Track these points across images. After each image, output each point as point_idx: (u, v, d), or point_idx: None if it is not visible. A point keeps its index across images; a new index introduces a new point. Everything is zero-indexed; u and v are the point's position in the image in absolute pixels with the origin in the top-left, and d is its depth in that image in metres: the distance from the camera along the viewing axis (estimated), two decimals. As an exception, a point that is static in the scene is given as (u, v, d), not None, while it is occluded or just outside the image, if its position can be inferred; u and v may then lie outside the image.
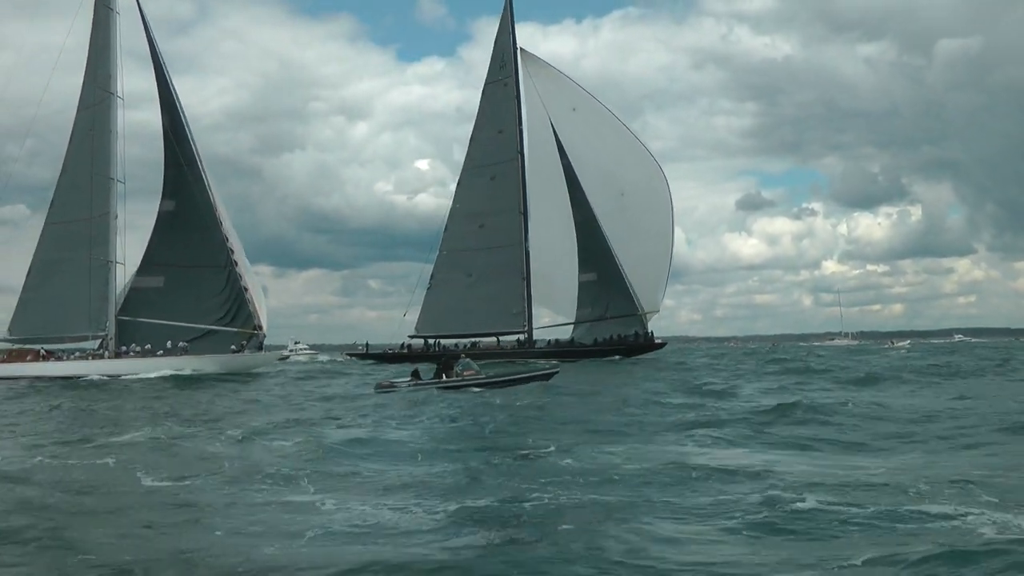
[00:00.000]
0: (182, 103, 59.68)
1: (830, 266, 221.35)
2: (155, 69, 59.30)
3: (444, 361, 33.23)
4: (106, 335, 59.96)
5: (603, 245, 70.53)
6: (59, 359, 59.25)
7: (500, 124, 74.38)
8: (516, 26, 75.48)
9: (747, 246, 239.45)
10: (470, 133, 76.35)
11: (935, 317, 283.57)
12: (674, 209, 72.57)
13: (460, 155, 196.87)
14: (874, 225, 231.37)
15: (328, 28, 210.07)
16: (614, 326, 70.80)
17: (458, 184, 75.88)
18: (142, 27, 60.66)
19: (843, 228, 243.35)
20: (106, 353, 58.81)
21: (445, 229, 75.60)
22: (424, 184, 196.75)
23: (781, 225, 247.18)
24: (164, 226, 58.22)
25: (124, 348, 58.73)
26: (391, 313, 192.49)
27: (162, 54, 60.01)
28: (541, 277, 72.63)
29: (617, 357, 67.23)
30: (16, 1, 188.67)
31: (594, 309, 71.40)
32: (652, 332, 71.77)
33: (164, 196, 58.46)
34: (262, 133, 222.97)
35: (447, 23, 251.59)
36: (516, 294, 72.56)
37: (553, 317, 74.63)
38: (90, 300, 59.73)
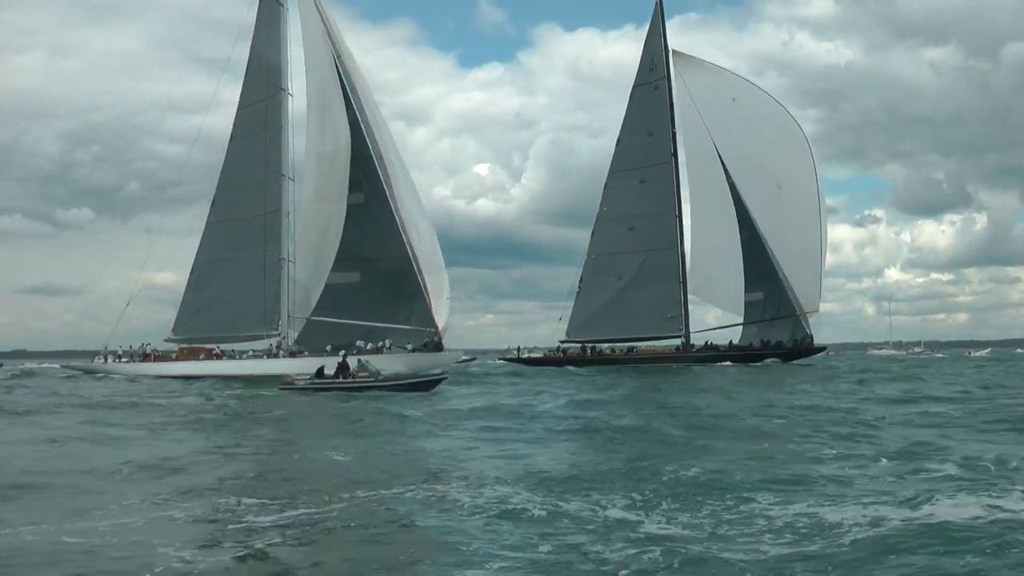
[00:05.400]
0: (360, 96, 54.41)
1: (893, 274, 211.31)
2: (336, 63, 54.03)
3: (343, 362, 32.14)
4: (279, 334, 54.76)
5: (769, 265, 64.60)
6: (231, 358, 54.13)
7: (650, 127, 68.78)
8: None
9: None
10: (616, 136, 70.91)
11: (1002, 327, 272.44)
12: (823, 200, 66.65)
13: (519, 160, 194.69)
14: (938, 233, 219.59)
15: (388, 33, 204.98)
16: (775, 329, 64.86)
17: (605, 188, 70.02)
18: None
19: (906, 236, 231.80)
20: (281, 353, 53.50)
21: (592, 233, 69.96)
22: (483, 189, 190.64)
23: (843, 232, 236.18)
24: (354, 220, 52.78)
25: (299, 348, 53.45)
26: (451, 318, 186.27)
27: (341, 48, 54.81)
28: (702, 277, 66.72)
29: (771, 360, 61.70)
30: (85, 7, 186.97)
31: (758, 313, 65.46)
32: (811, 334, 65.67)
33: (351, 189, 53.06)
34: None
35: (507, 29, 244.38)
36: (671, 298, 66.70)
37: (715, 318, 69.00)
38: (264, 299, 54.54)
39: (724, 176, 65.46)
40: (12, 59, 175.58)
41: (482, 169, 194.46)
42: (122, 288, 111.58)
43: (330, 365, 32.65)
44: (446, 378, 33.71)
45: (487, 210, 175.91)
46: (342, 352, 47.46)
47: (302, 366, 49.33)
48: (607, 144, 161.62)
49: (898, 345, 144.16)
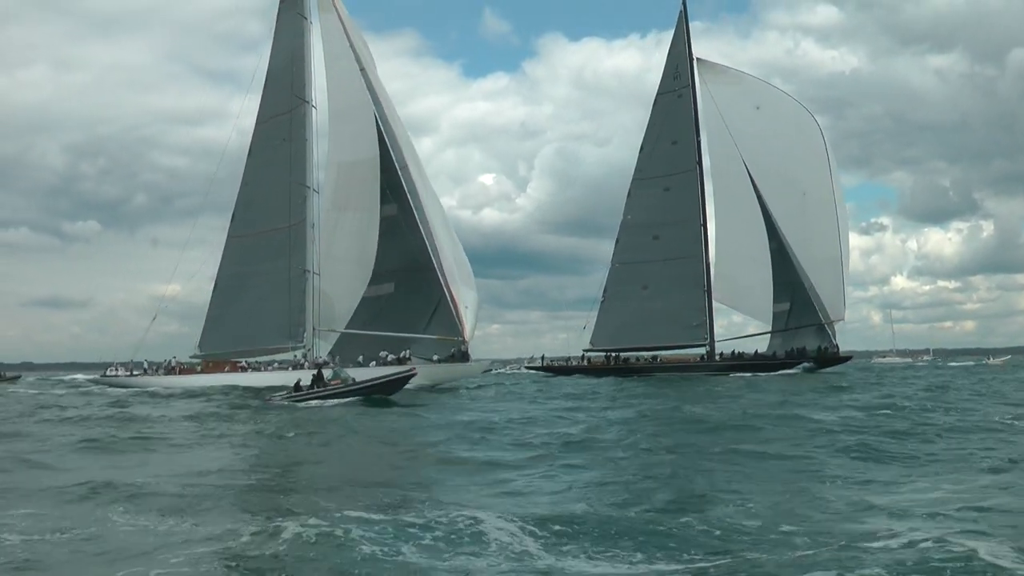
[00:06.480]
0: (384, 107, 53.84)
1: (900, 282, 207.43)
2: (362, 75, 53.43)
3: (317, 373, 33.19)
4: (304, 346, 54.18)
5: (795, 275, 63.78)
6: (256, 370, 53.56)
7: (674, 135, 67.79)
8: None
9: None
10: (639, 144, 70.04)
11: (1009, 335, 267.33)
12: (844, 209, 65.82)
13: (525, 170, 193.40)
14: (945, 240, 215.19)
15: (392, 44, 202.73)
16: (800, 338, 63.85)
17: (628, 196, 69.19)
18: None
19: (913, 244, 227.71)
20: (306, 365, 52.87)
21: (617, 242, 69.11)
22: (489, 199, 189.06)
23: (850, 240, 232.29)
24: (387, 231, 52.23)
25: (323, 359, 52.84)
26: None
27: (366, 59, 54.22)
28: (727, 285, 65.73)
29: (803, 367, 60.98)
30: (89, 21, 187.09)
31: (784, 322, 64.62)
32: (837, 344, 64.55)
33: (384, 201, 52.50)
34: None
35: (511, 39, 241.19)
36: (695, 306, 65.69)
37: (723, 327, 68.24)
38: (290, 311, 53.99)
39: (750, 184, 64.62)
40: (17, 73, 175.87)
41: (487, 179, 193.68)
42: (129, 300, 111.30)
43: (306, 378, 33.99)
44: (415, 374, 33.97)
45: (493, 220, 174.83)
46: (318, 363, 47.61)
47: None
48: (613, 153, 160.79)
49: (903, 353, 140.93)
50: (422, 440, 19.99)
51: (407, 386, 43.78)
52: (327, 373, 33.32)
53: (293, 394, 31.78)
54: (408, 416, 26.73)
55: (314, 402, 31.02)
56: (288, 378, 48.93)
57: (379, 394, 32.40)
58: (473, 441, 18.84)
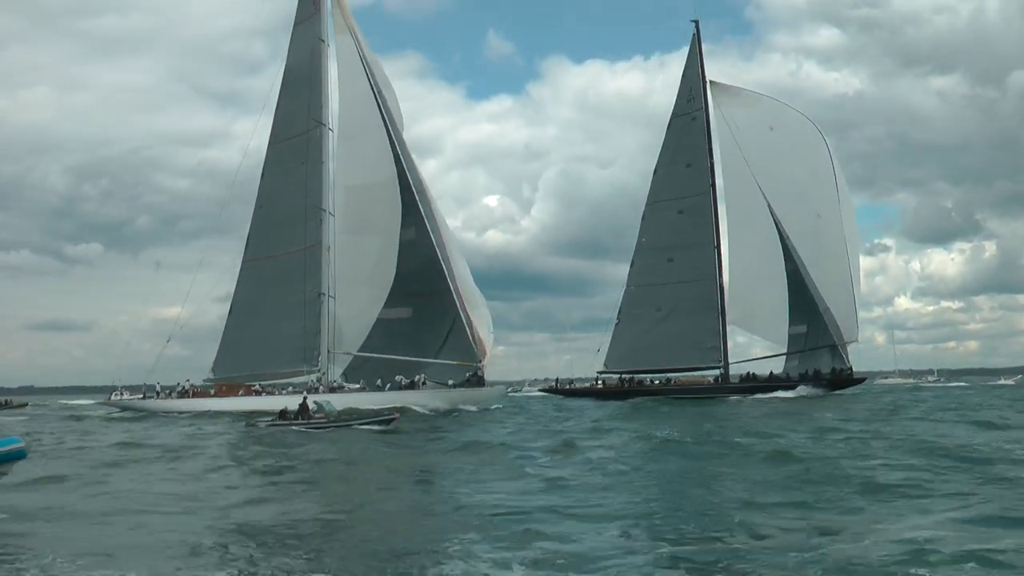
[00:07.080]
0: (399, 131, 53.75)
1: (903, 303, 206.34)
2: (376, 99, 53.29)
3: (303, 403, 33.31)
4: (319, 370, 53.65)
5: (811, 297, 63.03)
6: (271, 394, 53.02)
7: (688, 158, 67.56)
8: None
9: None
10: (643, 165, 69.89)
11: (1012, 354, 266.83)
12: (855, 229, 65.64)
13: (529, 192, 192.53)
14: (948, 261, 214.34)
15: (396, 66, 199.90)
16: (814, 359, 63.25)
17: (642, 219, 68.92)
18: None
19: (916, 264, 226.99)
20: (321, 388, 52.39)
21: (632, 264, 68.76)
22: (493, 221, 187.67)
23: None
24: (406, 254, 51.92)
25: (337, 383, 52.45)
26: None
27: (379, 84, 54.08)
28: (742, 308, 65.27)
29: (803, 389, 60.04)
30: (92, 42, 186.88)
31: (800, 344, 64.02)
32: (851, 365, 63.90)
33: (403, 225, 52.23)
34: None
35: (515, 61, 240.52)
36: (710, 329, 65.23)
37: (743, 348, 67.63)
38: (305, 334, 53.45)
39: (765, 206, 64.11)
40: (19, 94, 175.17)
41: (492, 201, 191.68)
42: (131, 323, 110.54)
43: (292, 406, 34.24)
44: (397, 418, 33.27)
45: (497, 242, 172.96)
46: (332, 387, 47.17)
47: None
48: (617, 174, 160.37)
49: (906, 374, 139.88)
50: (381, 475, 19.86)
51: (424, 409, 44.38)
52: (312, 405, 33.37)
53: (277, 422, 32.30)
54: (388, 446, 26.37)
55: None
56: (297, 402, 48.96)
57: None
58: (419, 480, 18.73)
